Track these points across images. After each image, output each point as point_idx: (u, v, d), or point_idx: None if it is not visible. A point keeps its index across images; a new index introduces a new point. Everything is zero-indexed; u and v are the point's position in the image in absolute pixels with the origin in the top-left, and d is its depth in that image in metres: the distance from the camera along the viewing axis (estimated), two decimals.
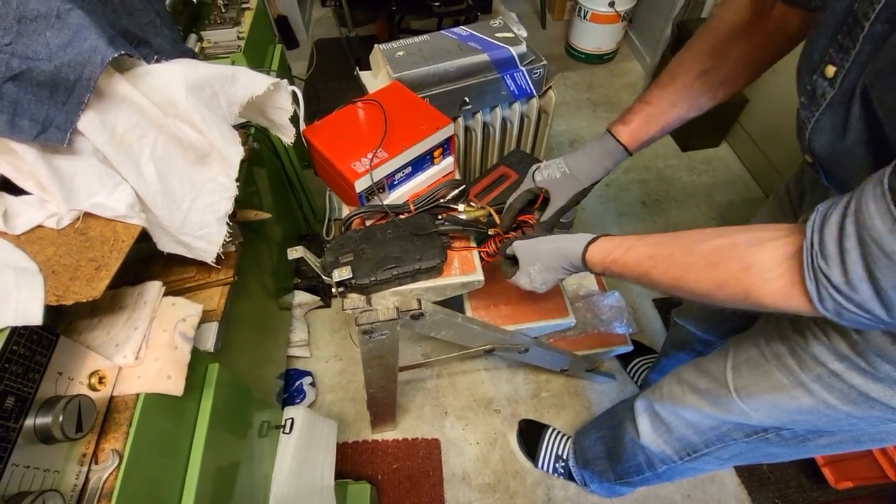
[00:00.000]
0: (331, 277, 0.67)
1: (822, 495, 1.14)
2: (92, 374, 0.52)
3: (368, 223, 0.78)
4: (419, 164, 0.80)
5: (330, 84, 2.20)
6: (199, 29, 1.04)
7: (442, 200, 0.78)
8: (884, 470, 0.96)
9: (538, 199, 0.73)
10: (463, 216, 0.75)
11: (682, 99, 0.63)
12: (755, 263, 0.41)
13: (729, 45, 0.59)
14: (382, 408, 1.11)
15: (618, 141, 0.66)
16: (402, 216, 0.76)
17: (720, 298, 0.44)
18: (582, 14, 2.11)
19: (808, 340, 0.51)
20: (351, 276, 0.67)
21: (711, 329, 0.92)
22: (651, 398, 0.78)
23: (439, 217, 0.75)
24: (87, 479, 0.49)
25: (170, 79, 0.55)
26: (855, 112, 0.39)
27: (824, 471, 1.10)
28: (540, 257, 0.62)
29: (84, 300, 0.47)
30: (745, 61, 0.59)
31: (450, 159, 0.86)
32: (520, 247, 0.65)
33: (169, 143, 0.58)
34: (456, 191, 0.79)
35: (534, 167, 0.74)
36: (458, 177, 0.90)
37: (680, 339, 1.03)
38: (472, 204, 0.77)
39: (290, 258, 0.68)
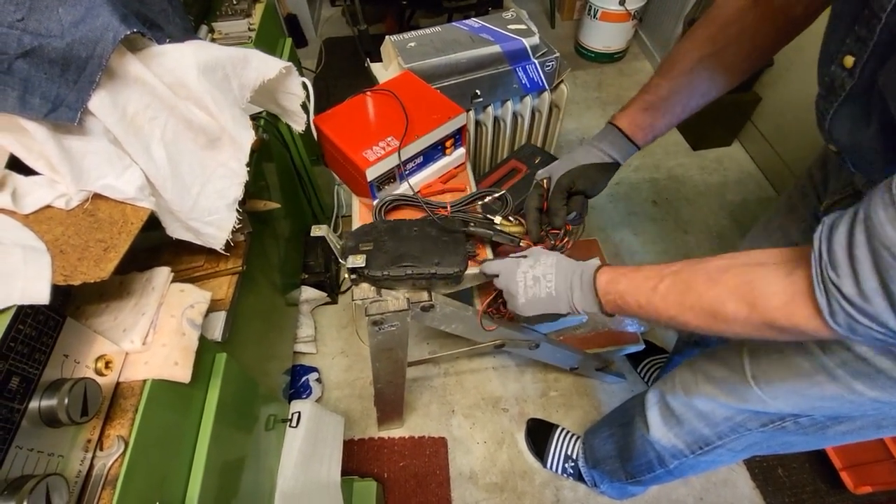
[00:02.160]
0: (345, 262, 0.66)
1: (839, 500, 1.11)
2: (98, 358, 0.51)
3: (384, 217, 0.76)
4: (431, 154, 0.79)
5: (340, 82, 2.20)
6: (210, 20, 1.04)
7: (480, 206, 0.76)
8: None
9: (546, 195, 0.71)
10: (497, 227, 0.71)
11: (682, 85, 0.62)
12: (756, 278, 0.41)
13: (731, 31, 0.58)
14: (389, 404, 1.10)
15: (616, 127, 0.66)
16: (436, 213, 0.73)
17: (724, 315, 0.43)
18: (592, 13, 2.10)
19: None
20: (364, 265, 0.65)
21: None
22: (663, 389, 0.76)
23: (472, 224, 0.71)
24: (91, 466, 0.48)
25: (182, 60, 0.55)
26: (876, 105, 0.38)
27: (843, 475, 1.07)
28: (560, 257, 0.61)
29: (91, 280, 0.46)
30: (748, 47, 0.58)
31: (461, 150, 0.85)
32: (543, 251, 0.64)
33: (180, 126, 0.58)
34: (498, 201, 0.76)
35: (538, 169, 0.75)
36: (469, 168, 0.89)
37: (694, 336, 1.01)
38: (510, 219, 0.73)
39: (313, 235, 0.68)
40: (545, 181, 0.71)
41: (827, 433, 0.59)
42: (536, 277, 0.59)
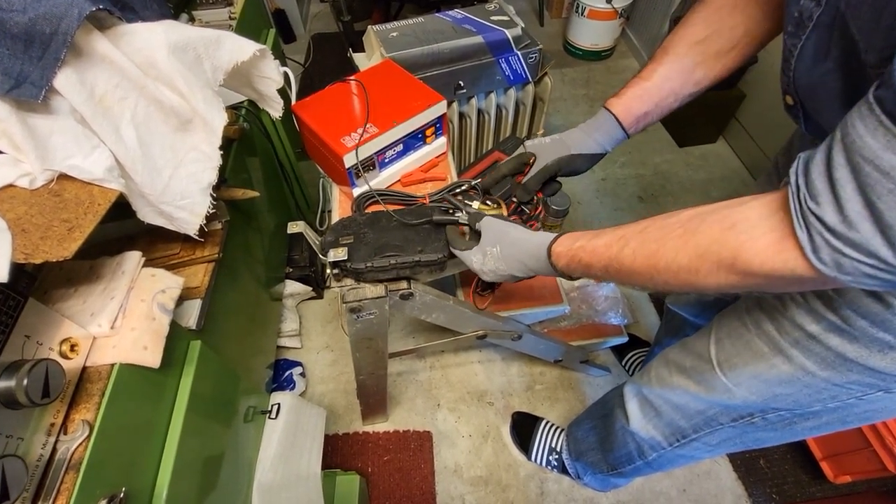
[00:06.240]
0: (326, 257, 0.65)
1: (820, 490, 1.12)
2: (63, 341, 0.50)
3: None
4: (411, 142, 0.79)
5: (328, 77, 2.17)
6: (190, 8, 1.03)
7: (459, 194, 0.76)
8: (883, 462, 0.94)
9: (527, 168, 0.71)
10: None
11: (676, 71, 0.61)
12: (740, 220, 0.36)
13: (724, 15, 0.58)
14: (373, 397, 1.09)
15: (611, 113, 0.65)
16: (413, 205, 0.73)
17: (703, 272, 0.39)
18: (580, 10, 2.11)
19: (787, 304, 0.50)
20: (346, 258, 0.64)
21: (703, 312, 0.91)
22: (639, 382, 0.76)
23: (450, 211, 0.71)
24: (54, 450, 0.47)
25: (151, 39, 0.54)
26: (836, 34, 0.37)
27: (822, 465, 1.08)
28: (503, 240, 0.59)
29: (54, 259, 0.45)
30: (741, 31, 0.58)
31: (442, 139, 0.84)
32: (489, 222, 0.62)
33: (150, 108, 0.57)
34: (473, 190, 0.76)
35: (526, 140, 0.73)
36: (451, 159, 0.88)
37: (673, 327, 1.02)
38: (488, 202, 0.73)
39: (289, 232, 0.67)
40: (532, 158, 0.70)
41: (795, 428, 0.59)
42: (492, 269, 0.61)
